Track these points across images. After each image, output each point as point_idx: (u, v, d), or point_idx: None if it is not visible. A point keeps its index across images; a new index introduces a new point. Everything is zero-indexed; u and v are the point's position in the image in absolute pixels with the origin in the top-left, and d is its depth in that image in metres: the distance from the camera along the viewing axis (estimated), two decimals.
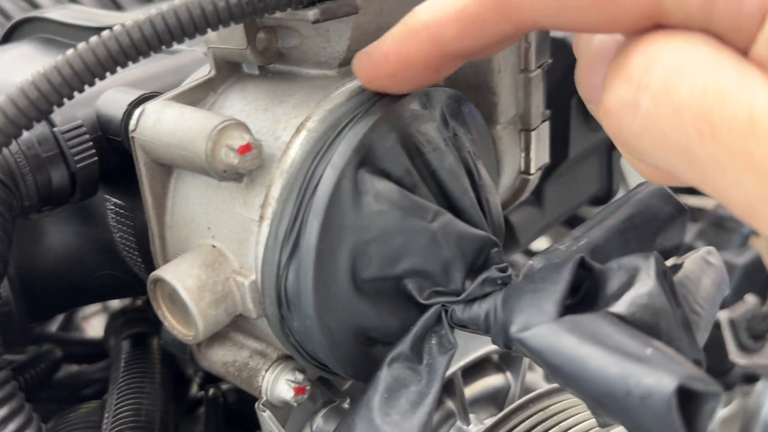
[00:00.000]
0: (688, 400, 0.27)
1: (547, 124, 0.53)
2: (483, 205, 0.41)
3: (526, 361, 0.55)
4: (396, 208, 0.36)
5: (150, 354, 0.57)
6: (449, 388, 0.51)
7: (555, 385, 0.52)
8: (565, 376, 0.30)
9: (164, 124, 0.38)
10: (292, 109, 0.39)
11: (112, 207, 0.46)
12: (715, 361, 0.92)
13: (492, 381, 0.54)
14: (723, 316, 0.85)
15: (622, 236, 0.40)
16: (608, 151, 0.67)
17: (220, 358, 0.45)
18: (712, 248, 0.43)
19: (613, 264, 0.35)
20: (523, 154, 0.52)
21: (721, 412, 1.00)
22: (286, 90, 0.40)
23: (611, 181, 0.69)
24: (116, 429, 0.46)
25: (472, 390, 0.53)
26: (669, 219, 0.41)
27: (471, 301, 0.38)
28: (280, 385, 0.43)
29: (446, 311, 0.39)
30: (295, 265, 0.36)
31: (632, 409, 0.27)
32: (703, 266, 0.41)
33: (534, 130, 0.51)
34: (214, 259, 0.38)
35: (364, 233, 0.36)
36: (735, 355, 0.85)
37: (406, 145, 0.37)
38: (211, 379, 0.66)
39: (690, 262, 0.41)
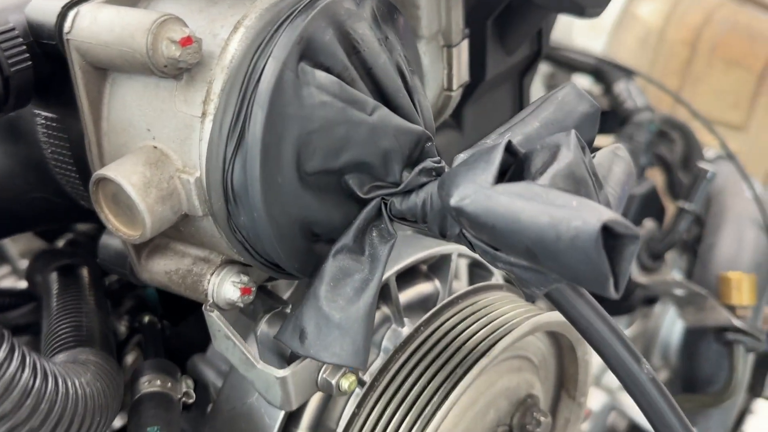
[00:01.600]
0: (611, 245, 0.31)
1: (466, 42, 0.55)
2: (415, 105, 0.43)
3: (452, 268, 0.58)
4: (337, 99, 0.38)
5: (81, 280, 0.56)
6: (385, 294, 0.53)
7: (479, 284, 0.56)
8: (501, 234, 0.33)
9: (101, 24, 0.38)
10: (227, 9, 0.39)
11: (43, 122, 0.45)
12: None
13: (422, 288, 0.57)
14: None
15: (543, 129, 0.43)
16: (520, 77, 0.71)
17: (162, 268, 0.46)
18: (620, 144, 0.47)
19: (536, 145, 0.38)
20: (445, 71, 0.55)
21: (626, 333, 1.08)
22: None
23: (522, 107, 0.73)
24: (57, 345, 0.46)
25: (404, 297, 0.56)
26: (584, 114, 0.44)
27: (408, 192, 0.41)
28: (226, 286, 0.44)
29: (385, 204, 0.42)
30: (241, 158, 0.37)
31: (563, 252, 0.31)
32: (613, 158, 0.45)
33: (456, 46, 0.54)
34: (156, 158, 0.39)
35: (308, 124, 0.37)
36: (637, 275, 0.92)
37: (343, 41, 0.39)
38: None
39: (600, 154, 0.45)
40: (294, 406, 0.44)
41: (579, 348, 0.59)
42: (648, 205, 0.99)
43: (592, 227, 0.29)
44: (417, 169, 0.41)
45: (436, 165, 0.41)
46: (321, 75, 0.37)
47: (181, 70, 0.38)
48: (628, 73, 1.08)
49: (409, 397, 0.47)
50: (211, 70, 0.38)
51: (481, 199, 0.34)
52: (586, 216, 0.30)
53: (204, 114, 0.38)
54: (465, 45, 0.55)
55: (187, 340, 0.64)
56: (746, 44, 1.48)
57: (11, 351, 0.34)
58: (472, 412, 0.51)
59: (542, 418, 0.56)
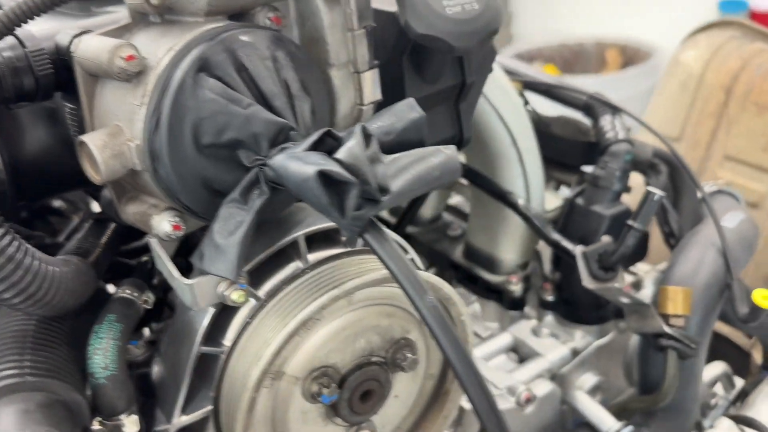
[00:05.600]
0: (336, 188, 0.49)
1: (376, 70, 0.75)
2: (294, 109, 0.63)
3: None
4: (221, 97, 0.59)
5: (104, 227, 0.80)
6: (297, 250, 0.73)
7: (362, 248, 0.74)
8: (285, 181, 0.52)
9: (88, 46, 0.61)
10: (169, 40, 0.62)
11: (68, 110, 0.70)
12: (586, 292, 1.12)
13: (333, 250, 0.76)
14: (578, 250, 1.05)
15: (378, 130, 0.62)
16: (455, 104, 0.88)
17: (132, 210, 0.68)
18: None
19: (344, 132, 0.57)
20: (357, 91, 0.74)
21: (598, 342, 1.20)
22: (169, 30, 0.63)
23: (461, 128, 0.90)
24: (63, 251, 0.69)
25: (320, 254, 0.74)
26: (411, 120, 0.62)
27: None
28: (163, 223, 0.66)
29: (262, 171, 0.62)
30: (158, 133, 0.59)
31: (307, 189, 0.50)
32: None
33: (363, 73, 0.74)
34: (116, 131, 0.62)
35: (200, 112, 0.59)
36: (587, 282, 1.04)
37: (234, 62, 0.60)
38: None
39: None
40: (200, 307, 0.65)
41: (452, 309, 0.75)
42: (614, 226, 1.12)
43: (310, 173, 0.48)
44: (277, 149, 0.60)
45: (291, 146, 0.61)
46: (211, 81, 0.59)
47: (131, 76, 0.60)
48: (614, 109, 1.21)
49: (285, 310, 0.66)
50: (149, 77, 0.60)
51: (278, 159, 0.53)
52: (311, 167, 0.49)
53: (141, 104, 0.60)
54: (374, 72, 0.75)
55: None
56: None
57: (12, 238, 0.57)
58: (342, 335, 0.69)
59: (410, 356, 0.73)
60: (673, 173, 1.26)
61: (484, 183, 1.20)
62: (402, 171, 0.58)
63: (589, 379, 1.19)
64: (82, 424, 0.62)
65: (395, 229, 1.38)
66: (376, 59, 0.74)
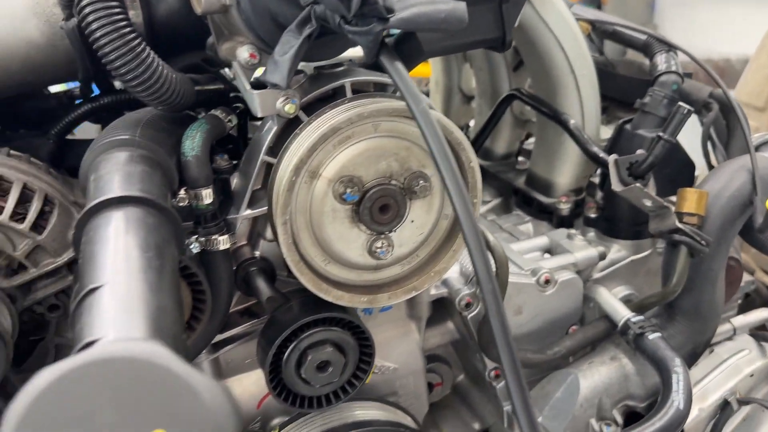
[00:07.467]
0: None
1: None
2: None
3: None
4: None
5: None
6: (344, 94, 0.94)
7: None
8: None
9: None
10: None
11: None
12: (624, 207, 1.24)
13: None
14: (611, 158, 1.18)
15: None
16: (499, 4, 1.05)
17: (225, 47, 0.92)
18: None
19: None
20: None
21: (633, 257, 1.30)
22: None
23: (504, 30, 1.07)
24: None
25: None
26: None
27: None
28: (244, 53, 0.89)
29: (314, 10, 0.83)
30: None
31: None
32: None
33: None
34: None
35: None
36: (615, 185, 1.16)
37: None
38: None
39: None
40: (260, 114, 0.87)
41: (463, 154, 0.93)
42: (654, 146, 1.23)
43: None
44: None
45: None
46: None
47: None
48: (670, 47, 1.32)
49: (324, 124, 0.87)
50: None
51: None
52: None
53: None
54: None
55: None
56: None
57: (145, 47, 0.83)
58: (367, 154, 0.88)
59: (422, 182, 0.91)
60: (727, 116, 1.34)
61: (542, 104, 1.35)
62: (412, 6, 0.77)
63: (621, 291, 1.30)
64: (171, 186, 0.86)
65: None
66: None
